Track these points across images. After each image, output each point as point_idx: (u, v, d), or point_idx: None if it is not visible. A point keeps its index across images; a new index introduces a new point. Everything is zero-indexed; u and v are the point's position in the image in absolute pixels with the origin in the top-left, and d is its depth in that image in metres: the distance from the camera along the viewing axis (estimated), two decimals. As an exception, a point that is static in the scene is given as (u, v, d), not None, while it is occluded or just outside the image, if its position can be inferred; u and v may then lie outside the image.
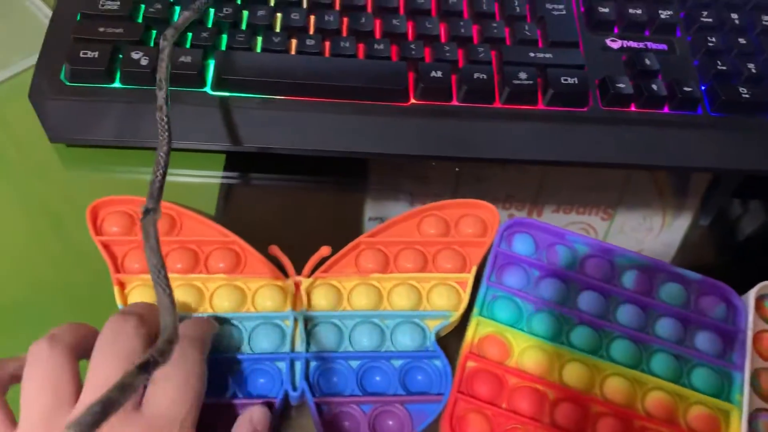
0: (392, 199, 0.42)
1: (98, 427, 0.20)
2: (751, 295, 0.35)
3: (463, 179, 0.42)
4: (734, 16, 0.44)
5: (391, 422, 0.32)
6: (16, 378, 0.28)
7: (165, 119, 0.33)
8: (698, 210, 0.43)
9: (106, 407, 0.20)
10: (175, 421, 0.27)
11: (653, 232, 0.42)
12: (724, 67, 0.42)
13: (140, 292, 0.34)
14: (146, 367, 0.22)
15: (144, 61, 0.38)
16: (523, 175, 0.43)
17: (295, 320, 0.34)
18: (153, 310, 0.30)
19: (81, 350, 0.28)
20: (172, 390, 0.27)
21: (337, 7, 0.42)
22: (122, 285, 0.34)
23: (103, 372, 0.26)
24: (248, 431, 0.29)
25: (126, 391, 0.21)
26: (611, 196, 0.43)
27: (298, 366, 0.32)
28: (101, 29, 0.39)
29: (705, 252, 0.42)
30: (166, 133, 0.32)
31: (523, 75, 0.40)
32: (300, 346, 0.33)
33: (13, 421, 0.27)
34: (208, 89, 0.39)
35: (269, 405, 0.31)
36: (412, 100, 0.40)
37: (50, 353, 0.26)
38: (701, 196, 0.44)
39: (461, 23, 0.42)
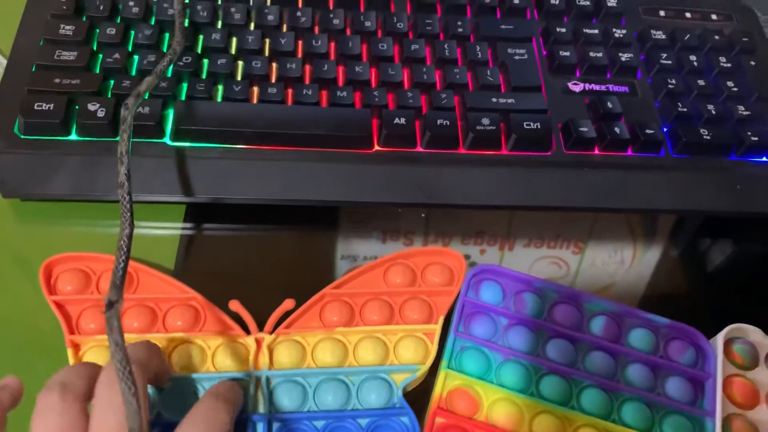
0: (364, 238, 0.41)
1: None
2: (719, 339, 0.35)
3: (434, 216, 0.42)
4: (692, 57, 0.45)
5: (358, 484, 0.31)
6: (10, 408, 0.27)
7: (127, 197, 0.31)
8: (669, 241, 0.43)
9: None
10: None
11: (624, 265, 0.42)
12: (684, 109, 0.42)
13: (95, 353, 0.33)
14: None
15: (101, 113, 0.37)
16: (494, 211, 0.43)
17: (257, 380, 0.32)
18: (154, 350, 0.30)
19: (91, 395, 0.27)
20: None
21: (300, 54, 0.42)
22: (77, 347, 0.33)
23: (104, 426, 0.26)
24: None
25: None
26: (582, 229, 0.43)
27: (260, 427, 0.31)
28: (57, 80, 0.38)
29: (677, 286, 0.42)
30: (129, 214, 0.31)
31: (486, 120, 0.40)
32: (262, 407, 0.32)
33: None
34: (167, 140, 0.38)
35: None
36: (377, 147, 0.40)
37: (62, 406, 0.26)
38: (671, 227, 0.44)
39: (424, 69, 0.42)
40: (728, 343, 0.36)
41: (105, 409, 0.26)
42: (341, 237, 0.41)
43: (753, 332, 0.36)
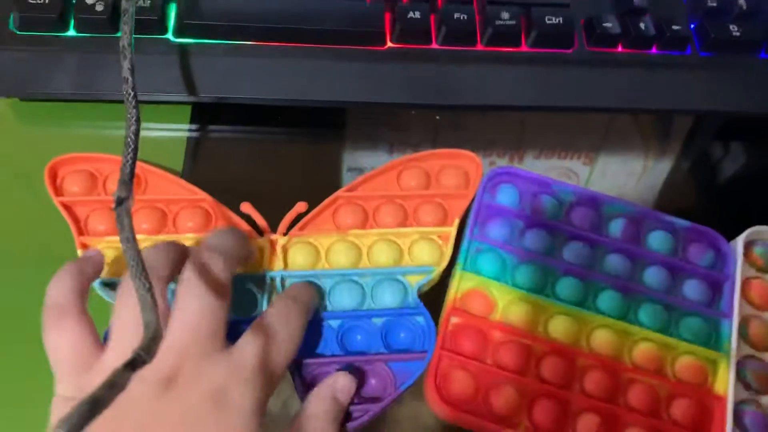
0: (371, 149, 0.40)
1: (87, 424, 0.20)
2: (740, 241, 0.35)
3: (443, 127, 0.41)
4: (724, -53, 0.42)
5: (374, 381, 0.31)
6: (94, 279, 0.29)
7: (131, 93, 0.30)
8: (680, 152, 0.42)
9: (95, 406, 0.20)
10: (261, 370, 0.27)
11: (635, 176, 0.41)
12: (714, 4, 0.40)
13: (106, 255, 0.32)
14: (133, 366, 0.22)
15: (99, 7, 0.35)
16: (504, 120, 0.41)
17: (271, 280, 0.32)
18: (241, 236, 0.30)
19: (171, 277, 0.28)
20: (267, 345, 0.27)
21: (307, -57, 0.39)
22: (86, 248, 0.32)
23: (185, 314, 0.26)
24: (328, 396, 0.29)
25: (114, 389, 0.21)
26: (593, 140, 0.42)
27: (276, 327, 0.31)
28: (51, -28, 0.36)
29: (687, 196, 0.41)
30: (134, 110, 0.29)
31: (505, 15, 0.38)
32: (277, 307, 0.32)
33: (99, 342, 0.27)
34: (170, 36, 0.36)
35: None
36: (389, 44, 0.38)
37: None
38: (683, 138, 0.43)
39: (439, -40, 0.39)
40: (748, 245, 0.35)
41: (189, 295, 0.27)
42: (348, 147, 0.40)
43: (774, 235, 0.35)
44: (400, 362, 0.31)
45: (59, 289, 0.27)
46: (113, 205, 0.26)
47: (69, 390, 0.26)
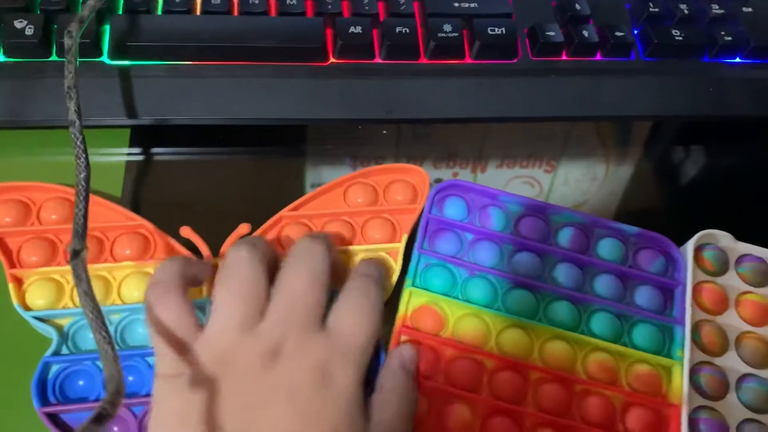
0: (334, 164, 0.39)
1: None
2: (689, 246, 0.34)
3: (404, 139, 0.40)
4: (665, -46, 0.42)
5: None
6: (197, 282, 0.30)
7: (80, 136, 0.29)
8: (641, 157, 0.42)
9: None
10: (357, 346, 0.28)
11: (597, 182, 0.41)
12: (656, 9, 0.40)
13: (40, 286, 0.31)
14: (100, 420, 0.22)
15: (29, 31, 0.34)
16: (467, 130, 0.41)
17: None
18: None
19: (270, 264, 0.29)
20: (358, 315, 0.29)
21: (245, -40, 0.39)
22: (19, 281, 0.31)
23: (292, 286, 0.28)
24: (397, 365, 0.30)
25: None
26: (554, 147, 0.41)
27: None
28: (-23, -4, 0.35)
29: (649, 199, 0.41)
30: (84, 155, 0.29)
31: (448, 27, 0.37)
32: (220, 334, 0.31)
33: (199, 325, 0.27)
34: (105, 58, 0.35)
35: None
36: (332, 59, 0.37)
37: (250, 262, 0.28)
38: (644, 142, 0.43)
39: (380, -27, 0.39)
40: (699, 249, 0.35)
41: (296, 269, 0.28)
42: (310, 162, 0.39)
43: (723, 238, 0.35)
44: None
45: (165, 269, 0.28)
46: (69, 258, 0.26)
47: (169, 367, 0.26)
